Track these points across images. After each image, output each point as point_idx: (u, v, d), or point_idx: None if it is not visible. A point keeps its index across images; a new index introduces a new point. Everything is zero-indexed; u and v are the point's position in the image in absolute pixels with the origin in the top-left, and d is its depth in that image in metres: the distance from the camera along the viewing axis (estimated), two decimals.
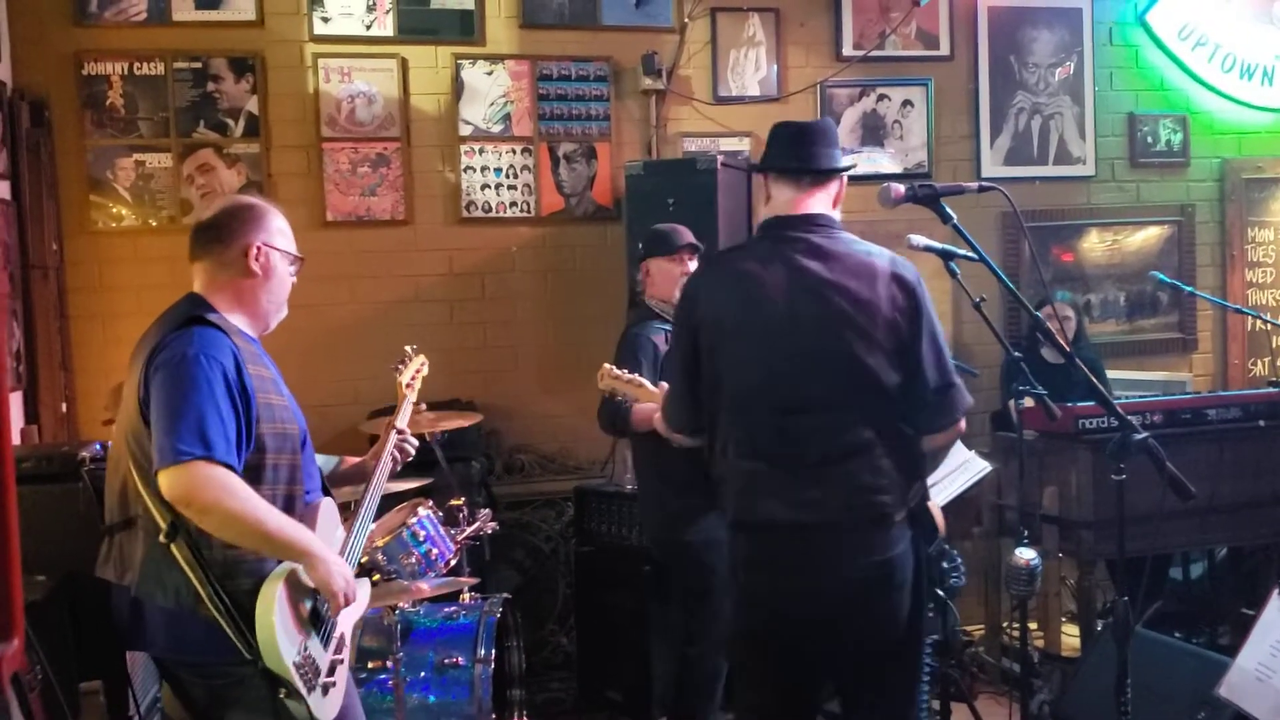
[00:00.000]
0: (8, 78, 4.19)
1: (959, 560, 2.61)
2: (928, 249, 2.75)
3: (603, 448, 4.63)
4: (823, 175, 2.50)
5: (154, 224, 4.47)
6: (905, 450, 2.43)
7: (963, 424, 2.48)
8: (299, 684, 2.02)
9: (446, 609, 3.40)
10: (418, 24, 4.67)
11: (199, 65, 4.49)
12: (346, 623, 2.28)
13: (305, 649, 2.09)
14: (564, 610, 4.71)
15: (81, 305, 4.39)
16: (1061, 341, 2.74)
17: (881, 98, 5.14)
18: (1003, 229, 5.18)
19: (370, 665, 3.21)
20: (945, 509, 3.15)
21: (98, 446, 3.21)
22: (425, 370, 2.91)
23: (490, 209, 4.77)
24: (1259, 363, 5.57)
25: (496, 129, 4.76)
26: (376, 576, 3.17)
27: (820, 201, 2.50)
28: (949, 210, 2.61)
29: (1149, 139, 5.42)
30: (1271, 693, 3.00)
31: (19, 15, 4.32)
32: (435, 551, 3.25)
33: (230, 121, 4.52)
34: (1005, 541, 4.16)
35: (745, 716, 2.62)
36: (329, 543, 2.25)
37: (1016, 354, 3.15)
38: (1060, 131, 5.33)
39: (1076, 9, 5.32)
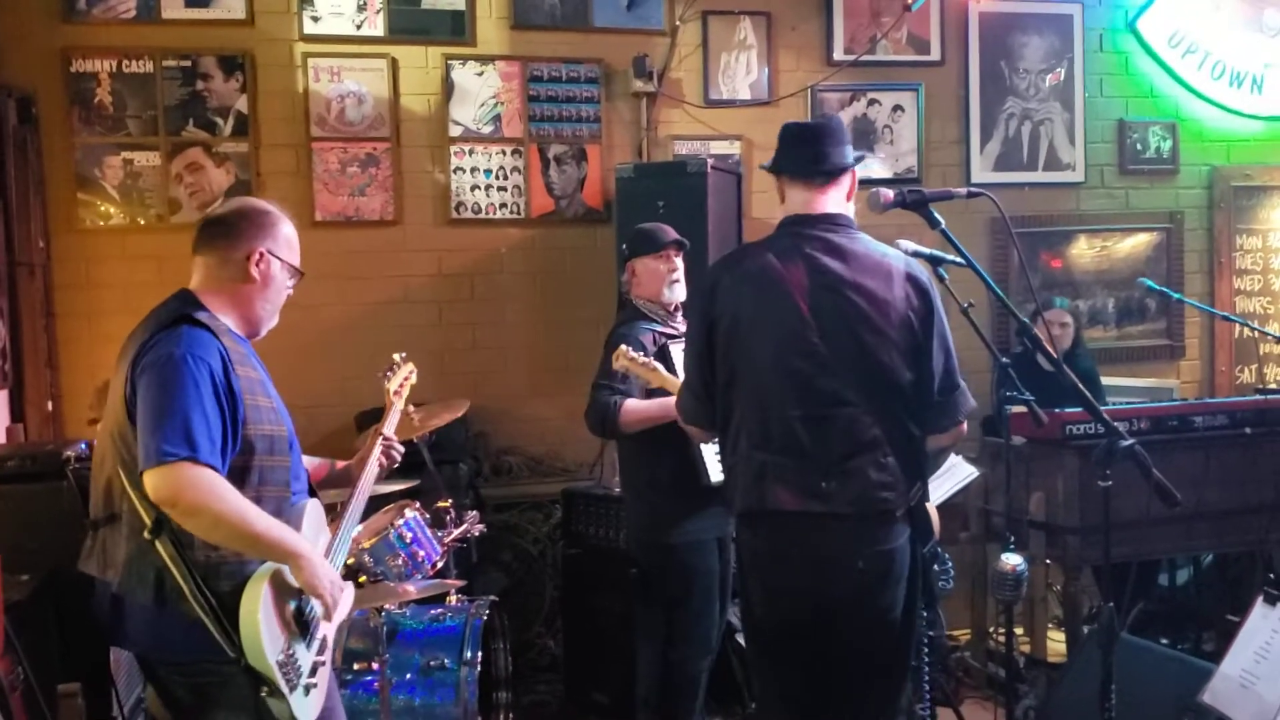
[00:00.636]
0: None
1: (949, 563, 2.62)
2: (916, 254, 2.75)
3: (591, 450, 4.62)
4: (833, 174, 2.54)
5: (142, 222, 4.45)
6: (910, 449, 2.50)
7: (965, 426, 2.55)
8: (281, 683, 2.02)
9: (433, 611, 3.40)
10: (408, 24, 4.66)
11: (188, 63, 4.47)
12: (330, 625, 2.27)
13: (289, 648, 2.08)
14: (551, 613, 4.71)
15: (68, 303, 4.37)
16: (1050, 349, 2.75)
17: (872, 102, 5.14)
18: (992, 235, 5.19)
19: (356, 667, 3.20)
20: None
21: (83, 445, 3.20)
22: (414, 379, 2.88)
23: (480, 210, 4.76)
24: (1246, 370, 5.59)
25: (487, 130, 4.75)
26: (363, 578, 3.16)
27: (834, 199, 2.58)
28: (937, 216, 2.63)
29: (1138, 146, 5.44)
30: (1255, 699, 3.01)
31: (6, 12, 4.30)
32: (422, 553, 3.24)
33: (219, 120, 4.51)
34: (992, 547, 4.16)
35: (773, 710, 2.64)
36: (314, 545, 2.24)
37: (1005, 359, 3.16)
38: (1050, 137, 5.34)
39: (1067, 15, 5.33)
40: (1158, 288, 4.72)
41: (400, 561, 3.19)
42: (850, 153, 2.62)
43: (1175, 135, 5.46)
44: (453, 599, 3.47)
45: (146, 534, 1.98)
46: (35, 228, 4.21)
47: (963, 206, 4.77)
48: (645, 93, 4.82)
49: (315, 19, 4.57)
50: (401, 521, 3.23)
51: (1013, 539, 3.18)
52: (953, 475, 3.60)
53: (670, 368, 3.19)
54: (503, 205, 4.78)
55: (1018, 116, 5.30)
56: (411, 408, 3.41)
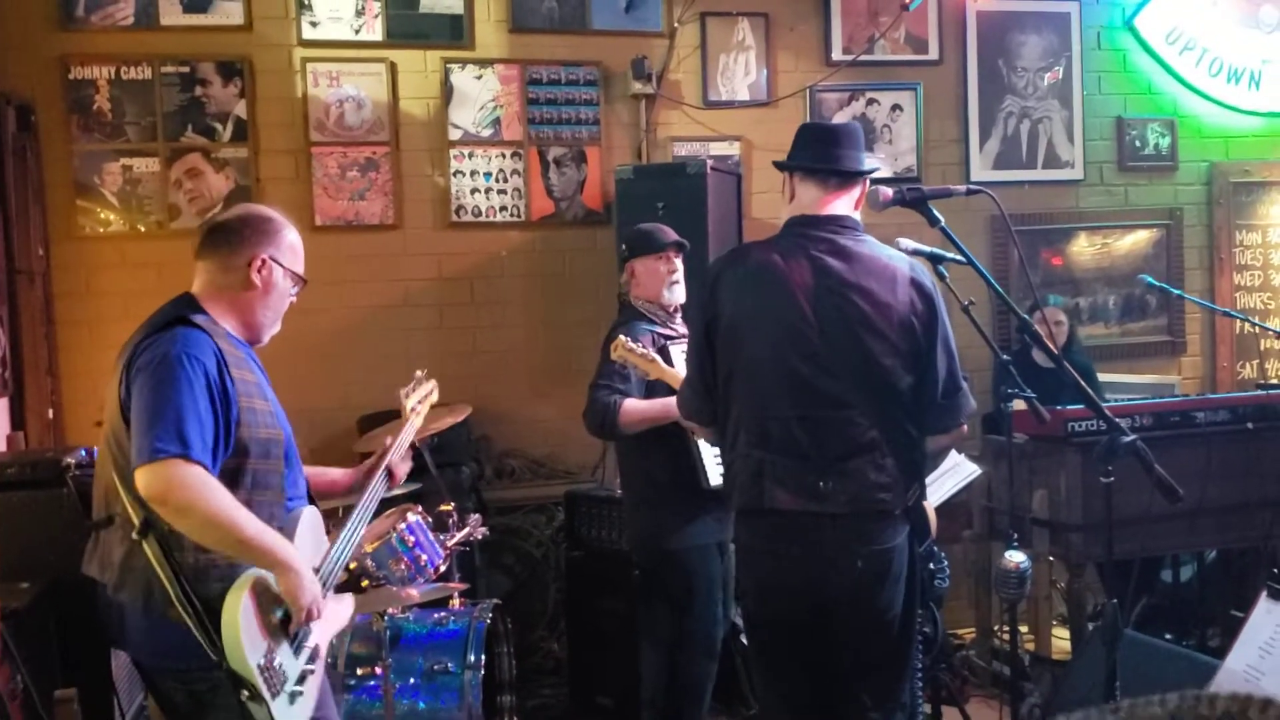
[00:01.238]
0: None
1: (945, 563, 2.63)
2: (916, 253, 2.75)
3: (593, 452, 4.62)
4: (848, 177, 2.54)
5: (141, 229, 4.45)
6: (909, 451, 2.51)
7: (965, 427, 2.55)
8: (262, 688, 2.00)
9: (436, 615, 3.39)
10: (406, 28, 4.66)
11: (186, 69, 4.47)
12: (321, 635, 2.24)
13: (271, 654, 2.06)
14: (554, 616, 4.70)
15: (68, 310, 4.37)
16: (1050, 344, 2.75)
17: (871, 102, 5.14)
18: (991, 232, 5.19)
19: (360, 671, 3.20)
20: (936, 512, 3.15)
21: (83, 453, 3.19)
22: (434, 397, 2.80)
23: (480, 213, 4.76)
24: (1247, 365, 5.59)
25: (486, 133, 4.75)
26: (366, 582, 3.15)
27: (844, 203, 2.59)
28: (937, 213, 2.63)
29: (1137, 143, 5.44)
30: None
31: (5, 19, 4.30)
32: (425, 557, 3.24)
33: (218, 126, 4.51)
34: (995, 545, 4.16)
35: (775, 710, 2.65)
36: (311, 552, 2.23)
37: (1005, 357, 3.16)
38: (1049, 135, 5.34)
39: (1065, 13, 5.33)
40: (1158, 284, 4.72)
41: (403, 565, 3.19)
42: (866, 160, 2.63)
43: (1174, 132, 5.46)
44: (456, 603, 3.47)
45: (134, 534, 1.98)
46: (35, 235, 4.21)
47: (962, 205, 4.79)
48: (644, 94, 4.82)
49: (314, 24, 4.57)
50: (404, 525, 3.22)
51: (1016, 537, 3.19)
52: (955, 474, 3.59)
53: (670, 367, 3.18)
54: (503, 208, 4.78)
55: (1016, 115, 5.30)
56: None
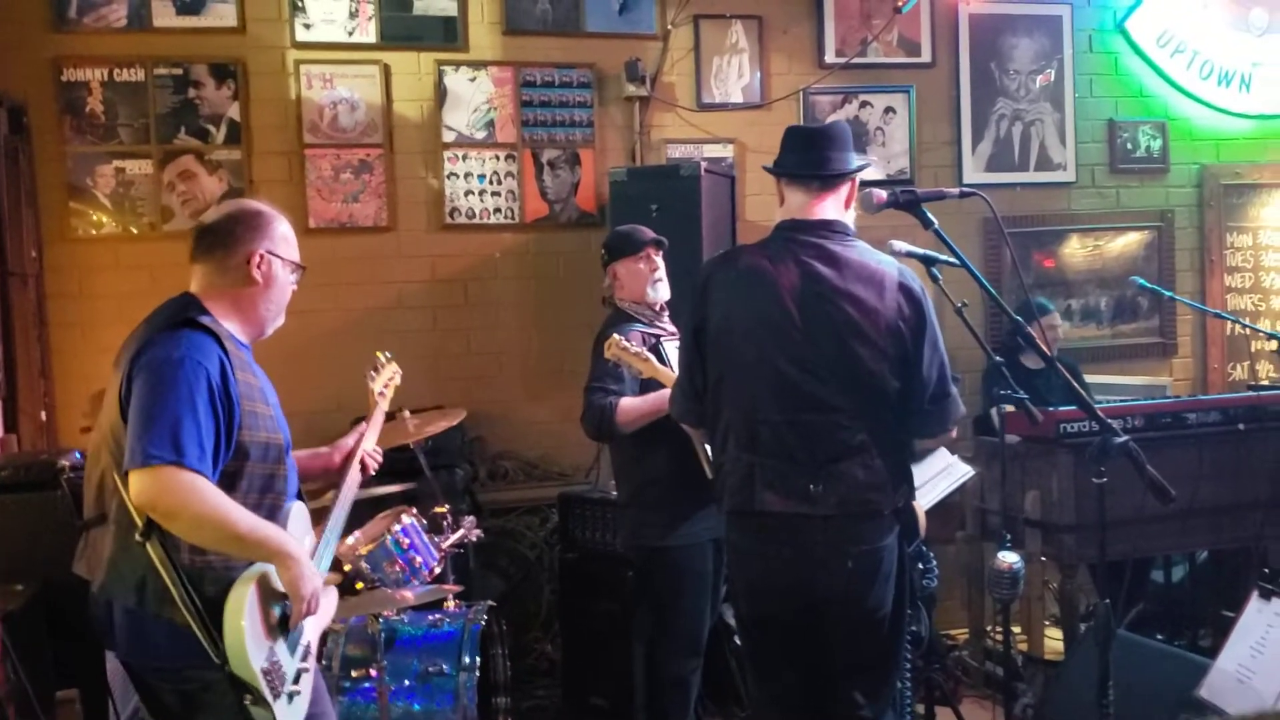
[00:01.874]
0: None
1: (934, 563, 2.65)
2: (909, 255, 2.77)
3: (587, 454, 4.63)
4: (832, 179, 2.55)
5: (134, 231, 4.45)
6: (897, 453, 2.54)
7: (954, 431, 2.56)
8: (265, 691, 1.99)
9: (431, 617, 3.39)
10: (400, 30, 4.66)
11: (180, 71, 4.47)
12: (312, 631, 2.25)
13: (273, 655, 2.06)
14: (549, 617, 4.70)
15: (61, 313, 4.36)
16: (1043, 346, 2.76)
17: (864, 104, 5.16)
18: (984, 235, 5.21)
19: (354, 674, 3.20)
20: (929, 513, 3.16)
21: (77, 455, 3.19)
22: (398, 380, 2.84)
23: (474, 215, 4.76)
24: (1238, 367, 5.62)
25: (480, 135, 4.75)
26: (360, 585, 3.15)
27: (832, 205, 2.59)
28: (930, 216, 2.64)
29: (1129, 145, 5.46)
30: (1251, 694, 3.02)
31: None
32: (419, 559, 3.24)
33: (211, 128, 4.51)
34: (988, 545, 4.17)
35: (766, 709, 2.66)
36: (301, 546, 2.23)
37: (998, 359, 3.17)
38: (1041, 138, 5.36)
39: (1056, 16, 5.36)
40: (1150, 286, 4.74)
41: (397, 567, 3.19)
42: (853, 159, 2.63)
43: (1165, 134, 5.49)
44: (450, 604, 3.46)
45: (138, 536, 1.97)
46: (28, 237, 4.21)
47: (955, 207, 4.77)
48: (638, 97, 4.83)
49: (307, 26, 4.57)
50: (398, 527, 3.22)
51: (1009, 538, 3.20)
52: (948, 475, 3.60)
53: (664, 364, 3.19)
54: (496, 210, 4.78)
55: (1008, 117, 5.32)
56: (408, 414, 3.42)
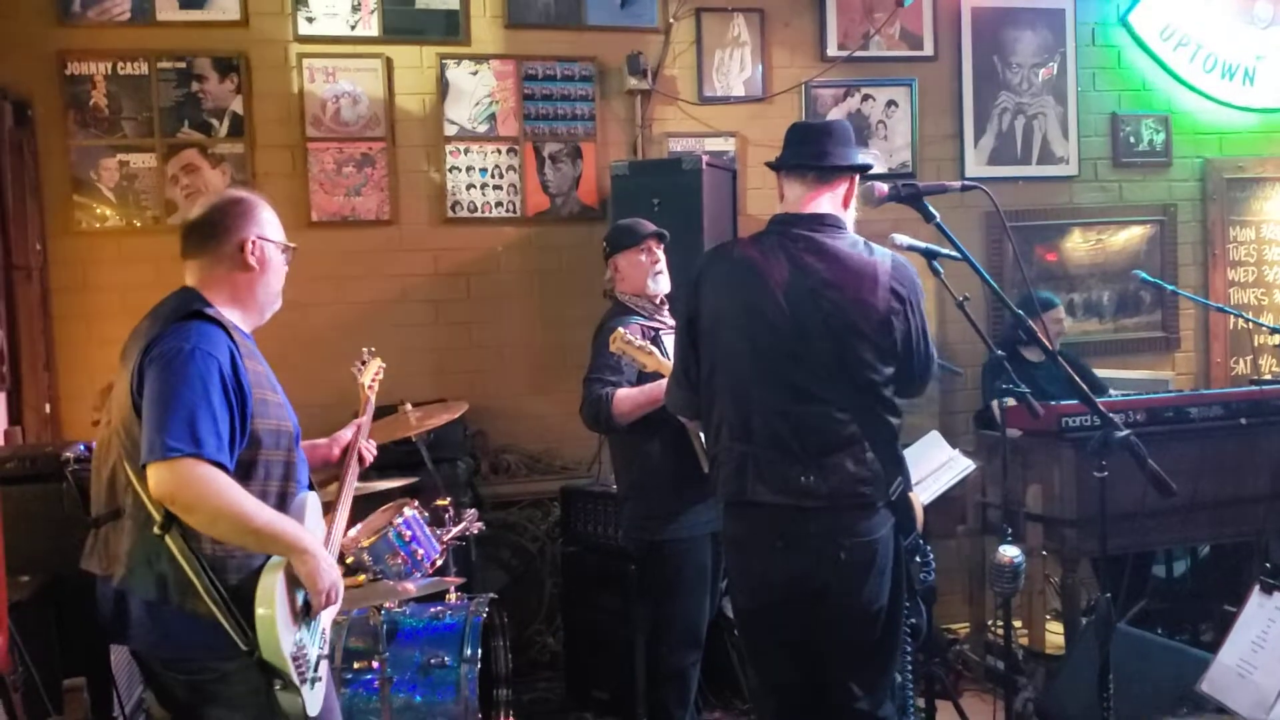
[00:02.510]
0: None
1: (931, 556, 2.65)
2: (911, 248, 2.77)
3: (589, 447, 4.63)
4: (828, 174, 2.57)
5: (138, 224, 4.46)
6: (890, 444, 2.55)
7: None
8: (294, 676, 2.03)
9: (433, 609, 3.40)
10: (402, 24, 4.66)
11: (183, 65, 4.47)
12: (326, 618, 2.28)
13: (300, 641, 2.10)
14: (550, 610, 4.71)
15: (65, 306, 4.38)
16: (1045, 340, 2.77)
17: (866, 98, 5.15)
18: (986, 228, 5.20)
19: (356, 666, 3.20)
20: (929, 507, 3.17)
21: (81, 447, 3.20)
22: (382, 375, 2.96)
23: (476, 209, 4.77)
24: (1241, 361, 5.61)
25: (482, 129, 4.75)
26: (363, 577, 3.16)
27: (827, 200, 2.60)
28: (932, 209, 2.64)
29: (1131, 139, 5.45)
30: (1252, 688, 3.02)
31: (1, 15, 4.30)
32: (421, 552, 3.24)
33: (215, 121, 4.51)
34: (989, 540, 4.17)
35: (765, 700, 2.68)
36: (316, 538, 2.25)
37: (1000, 353, 3.17)
38: (1043, 131, 5.35)
39: (1059, 10, 5.35)
40: (1152, 280, 4.73)
41: (399, 560, 3.19)
42: (853, 155, 2.64)
43: (1168, 128, 5.48)
44: (452, 597, 3.47)
45: (157, 529, 1.99)
46: (32, 231, 4.22)
47: (957, 200, 4.82)
48: (640, 90, 4.83)
49: (310, 20, 4.57)
50: (400, 520, 3.23)
51: (1010, 532, 3.20)
52: (949, 469, 3.61)
53: (665, 358, 3.20)
54: (498, 204, 4.78)
55: (1011, 111, 5.32)
56: (410, 407, 3.44)
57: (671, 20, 4.89)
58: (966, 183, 2.90)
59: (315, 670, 2.16)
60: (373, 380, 2.89)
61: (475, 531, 3.56)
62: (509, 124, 4.77)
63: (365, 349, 2.97)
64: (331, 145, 4.61)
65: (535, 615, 4.73)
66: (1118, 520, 3.36)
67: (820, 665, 2.57)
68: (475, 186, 4.76)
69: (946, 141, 5.26)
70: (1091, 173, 5.44)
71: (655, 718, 3.44)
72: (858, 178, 2.65)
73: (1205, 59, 5.47)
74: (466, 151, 4.75)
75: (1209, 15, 5.47)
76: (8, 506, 3.01)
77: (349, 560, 3.13)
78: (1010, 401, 3.27)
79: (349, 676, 3.18)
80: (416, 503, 3.36)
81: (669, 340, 3.29)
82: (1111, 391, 4.46)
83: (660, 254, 3.43)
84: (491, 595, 3.57)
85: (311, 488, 2.37)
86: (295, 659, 2.05)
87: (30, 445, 3.89)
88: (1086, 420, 3.77)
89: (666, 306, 3.45)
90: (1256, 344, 5.62)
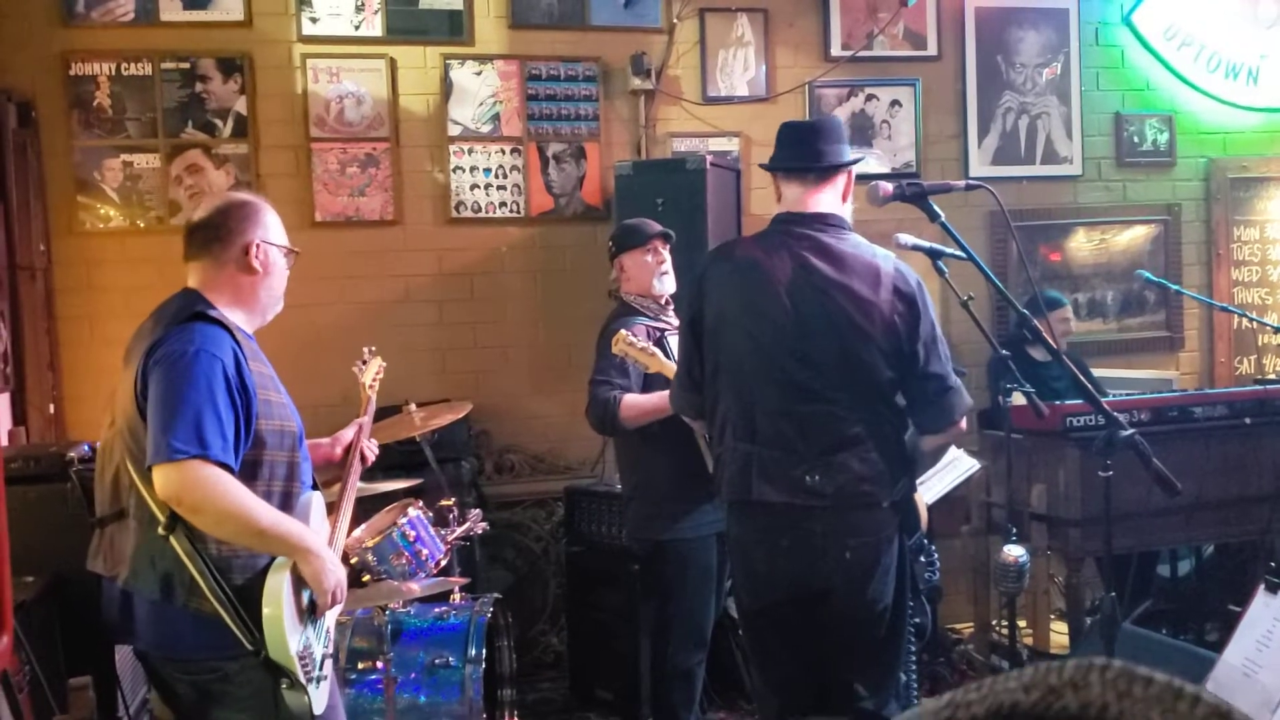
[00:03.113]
0: None
1: (935, 556, 2.65)
2: (915, 248, 2.77)
3: (593, 448, 4.63)
4: (827, 171, 2.56)
5: (142, 225, 4.46)
6: (895, 444, 2.54)
7: (963, 424, 2.57)
8: (301, 675, 2.04)
9: (437, 609, 3.40)
10: (406, 24, 4.66)
11: (187, 65, 4.47)
12: (331, 617, 2.30)
13: (306, 640, 2.11)
14: (554, 610, 4.71)
15: (69, 306, 4.38)
16: (1049, 339, 2.76)
17: (870, 98, 5.15)
18: (990, 228, 5.20)
19: (360, 666, 3.21)
20: (934, 507, 3.17)
21: (85, 447, 3.20)
22: (383, 374, 2.98)
23: (480, 209, 4.77)
24: (1245, 361, 5.60)
25: (485, 129, 4.75)
26: (367, 577, 3.17)
27: (828, 198, 2.59)
28: (936, 209, 2.64)
29: (1135, 139, 5.45)
30: (1257, 688, 3.01)
31: (5, 16, 4.30)
32: (425, 552, 3.25)
33: (218, 122, 4.51)
34: (994, 539, 4.17)
35: (769, 700, 2.68)
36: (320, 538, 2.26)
37: (1005, 352, 3.17)
38: (1047, 131, 5.35)
39: (1063, 9, 5.34)
40: (1156, 280, 4.73)
41: (404, 560, 3.20)
42: (846, 151, 2.64)
43: (1172, 128, 5.47)
44: (456, 597, 3.48)
45: (161, 529, 2.00)
46: (36, 231, 4.22)
47: (961, 200, 4.82)
48: (643, 90, 4.83)
49: (313, 20, 4.57)
50: (405, 520, 3.23)
51: (1014, 531, 3.20)
52: (954, 468, 3.61)
53: (669, 359, 3.20)
54: (502, 204, 4.78)
55: (1015, 110, 5.31)
56: (414, 407, 3.44)
57: (675, 20, 4.89)
58: (971, 182, 2.90)
59: (320, 669, 2.17)
60: (373, 380, 2.91)
61: (479, 531, 3.56)
62: (513, 124, 4.77)
63: (366, 349, 2.99)
64: (335, 145, 4.61)
65: (539, 615, 4.73)
66: (1122, 520, 3.35)
67: (824, 665, 2.57)
68: (479, 187, 4.76)
69: (950, 141, 5.26)
70: (1095, 172, 5.43)
71: (660, 718, 3.44)
72: (854, 170, 2.66)
73: (1209, 59, 5.46)
74: (470, 152, 4.75)
75: (1213, 15, 5.46)
76: (12, 507, 3.01)
77: (353, 560, 3.13)
78: (1015, 399, 3.27)
79: (353, 676, 3.18)
80: (421, 503, 3.36)
81: (674, 341, 3.29)
82: (1111, 392, 4.45)
83: (666, 254, 3.43)
84: (496, 595, 3.57)
85: (316, 487, 2.37)
86: (301, 658, 2.06)
87: (35, 445, 3.89)
88: (1091, 420, 3.77)
89: (671, 307, 3.45)
90: (1260, 344, 5.61)
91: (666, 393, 3.08)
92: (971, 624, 4.70)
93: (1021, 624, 4.03)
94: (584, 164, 4.84)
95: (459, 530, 3.45)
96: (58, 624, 2.95)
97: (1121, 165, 5.45)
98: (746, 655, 3.33)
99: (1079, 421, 3.82)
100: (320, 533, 2.27)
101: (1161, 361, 5.47)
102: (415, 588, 3.13)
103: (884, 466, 2.48)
